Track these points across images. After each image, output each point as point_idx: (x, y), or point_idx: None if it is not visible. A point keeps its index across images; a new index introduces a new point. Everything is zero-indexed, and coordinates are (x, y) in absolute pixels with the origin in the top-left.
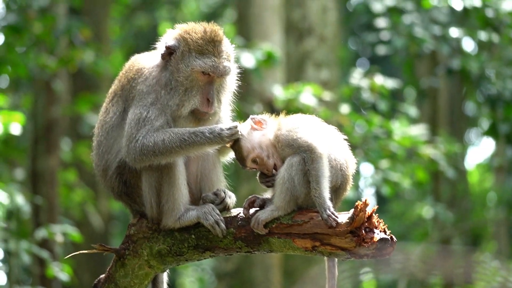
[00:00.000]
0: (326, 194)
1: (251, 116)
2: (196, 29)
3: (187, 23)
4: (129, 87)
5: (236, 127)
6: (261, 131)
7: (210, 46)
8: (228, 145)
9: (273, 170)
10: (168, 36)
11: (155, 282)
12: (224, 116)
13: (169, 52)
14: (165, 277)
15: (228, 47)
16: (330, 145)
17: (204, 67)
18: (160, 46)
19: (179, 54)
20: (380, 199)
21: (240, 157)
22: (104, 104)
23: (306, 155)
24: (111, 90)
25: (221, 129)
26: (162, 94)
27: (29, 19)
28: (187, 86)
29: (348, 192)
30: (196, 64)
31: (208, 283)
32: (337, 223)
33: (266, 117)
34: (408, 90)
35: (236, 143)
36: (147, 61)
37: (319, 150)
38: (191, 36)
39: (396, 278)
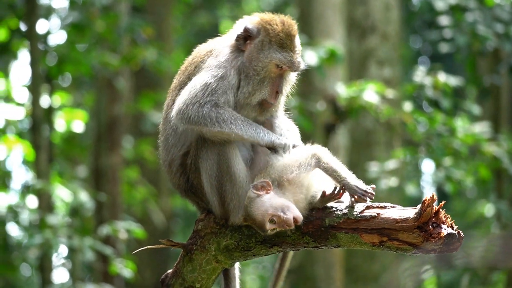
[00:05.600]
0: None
1: (251, 185)
2: (276, 20)
3: (264, 12)
4: (197, 70)
5: (289, 147)
6: (268, 195)
7: (288, 40)
8: (242, 218)
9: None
10: (247, 21)
11: (227, 277)
12: (280, 108)
13: (246, 35)
14: (237, 273)
15: (299, 41)
16: None
17: (283, 61)
18: (237, 28)
19: (258, 43)
20: (442, 197)
21: (258, 225)
22: (170, 98)
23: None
24: (176, 83)
25: (280, 143)
26: (231, 74)
27: (92, 17)
28: (262, 76)
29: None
30: (276, 57)
31: (269, 281)
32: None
33: (266, 179)
34: (470, 87)
35: (249, 215)
36: (216, 43)
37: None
38: (272, 28)
39: (458, 275)
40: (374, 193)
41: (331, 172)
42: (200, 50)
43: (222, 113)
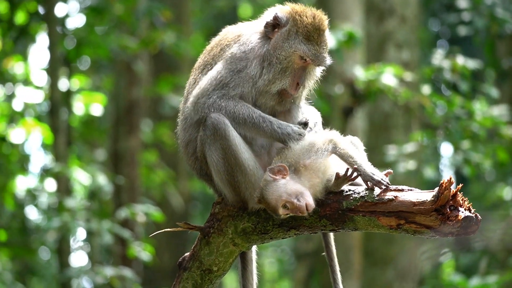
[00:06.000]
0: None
1: (268, 168)
2: (306, 12)
3: (296, 3)
4: (221, 53)
5: (304, 134)
6: (284, 180)
7: (316, 34)
8: (256, 200)
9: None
10: (278, 9)
11: (244, 260)
12: (301, 101)
13: (275, 23)
14: (254, 255)
15: (327, 37)
16: None
17: (306, 53)
18: (267, 15)
19: (285, 32)
20: (460, 180)
21: (272, 208)
22: (193, 77)
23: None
24: (200, 62)
25: (293, 131)
26: (253, 64)
27: (110, 0)
28: (284, 66)
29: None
30: (300, 48)
31: (287, 264)
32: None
33: (283, 164)
34: (489, 70)
35: (263, 197)
36: (246, 28)
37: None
38: (301, 19)
39: (476, 258)
40: (389, 182)
41: (346, 158)
42: (228, 32)
43: (225, 106)
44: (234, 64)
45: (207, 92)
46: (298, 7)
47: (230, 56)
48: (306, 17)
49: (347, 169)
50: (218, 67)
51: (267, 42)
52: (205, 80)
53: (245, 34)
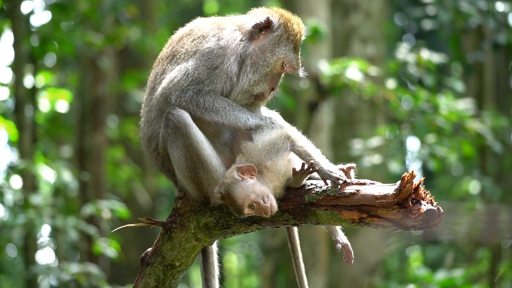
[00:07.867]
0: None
1: (236, 166)
2: (295, 21)
3: (278, 7)
4: (195, 44)
5: (275, 123)
6: (253, 180)
7: (299, 43)
8: (218, 196)
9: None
10: (268, 12)
11: (205, 252)
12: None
13: (265, 26)
14: (214, 247)
15: None
16: None
17: (293, 61)
18: (256, 16)
19: (276, 37)
20: (427, 174)
21: (237, 207)
22: (159, 67)
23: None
24: (168, 52)
25: (271, 121)
26: (230, 61)
27: None
28: (269, 69)
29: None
30: (289, 55)
31: (255, 259)
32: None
33: (252, 164)
34: (454, 65)
35: (229, 195)
36: (227, 23)
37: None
38: (293, 27)
39: (443, 252)
40: (347, 179)
41: (304, 155)
42: (201, 23)
43: (203, 101)
44: (211, 61)
45: (181, 87)
46: (286, 14)
47: (208, 51)
48: (297, 25)
49: (303, 164)
50: (194, 62)
51: (250, 42)
52: (178, 74)
53: (227, 28)
